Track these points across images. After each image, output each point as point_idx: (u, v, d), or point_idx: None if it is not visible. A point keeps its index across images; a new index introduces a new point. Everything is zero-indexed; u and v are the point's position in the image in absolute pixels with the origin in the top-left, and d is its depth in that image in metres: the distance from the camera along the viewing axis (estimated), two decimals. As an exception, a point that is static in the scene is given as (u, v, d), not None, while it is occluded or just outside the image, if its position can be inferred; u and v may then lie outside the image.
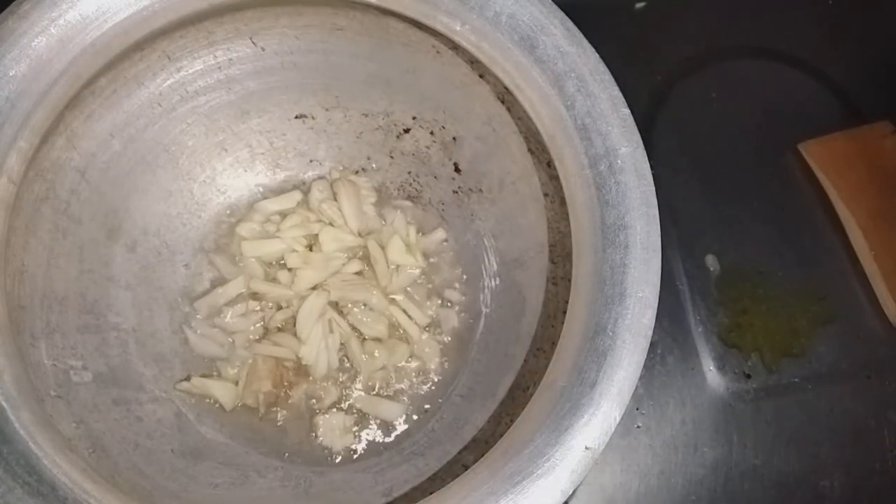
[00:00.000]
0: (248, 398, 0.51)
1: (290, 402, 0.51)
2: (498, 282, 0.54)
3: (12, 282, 0.42)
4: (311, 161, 0.57)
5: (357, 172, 0.57)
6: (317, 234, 0.53)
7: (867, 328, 0.59)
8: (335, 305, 0.53)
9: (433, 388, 0.53)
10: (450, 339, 0.54)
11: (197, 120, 0.53)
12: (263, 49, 0.51)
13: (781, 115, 0.64)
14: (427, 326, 0.54)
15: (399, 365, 0.53)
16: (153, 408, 0.49)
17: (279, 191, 0.57)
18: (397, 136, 0.55)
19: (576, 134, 0.41)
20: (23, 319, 0.42)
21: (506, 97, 0.47)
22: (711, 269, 0.60)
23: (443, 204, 0.56)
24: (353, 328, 0.53)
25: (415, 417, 0.52)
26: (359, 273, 0.54)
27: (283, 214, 0.55)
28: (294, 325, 0.52)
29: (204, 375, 0.52)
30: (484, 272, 0.54)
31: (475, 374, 0.53)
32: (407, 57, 0.50)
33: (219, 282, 0.54)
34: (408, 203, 0.56)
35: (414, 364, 0.53)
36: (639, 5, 0.66)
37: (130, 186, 0.51)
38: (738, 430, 0.56)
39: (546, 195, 0.49)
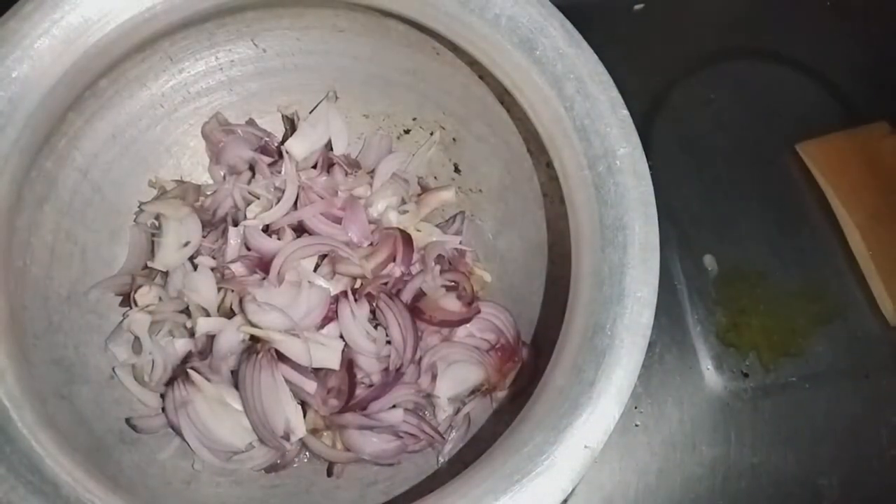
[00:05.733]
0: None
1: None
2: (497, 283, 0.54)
3: (15, 281, 0.42)
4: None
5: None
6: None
7: (865, 328, 0.59)
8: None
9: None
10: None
11: (199, 121, 0.53)
12: (265, 50, 0.52)
13: (779, 116, 0.64)
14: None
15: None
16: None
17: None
18: (397, 137, 0.56)
19: (575, 135, 0.41)
20: (25, 319, 0.43)
21: (505, 98, 0.47)
22: (710, 268, 0.60)
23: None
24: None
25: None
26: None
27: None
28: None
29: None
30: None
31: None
32: (407, 58, 0.50)
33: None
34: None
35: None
36: (637, 7, 0.67)
37: (133, 187, 0.51)
38: (736, 429, 0.56)
39: (545, 195, 0.49)
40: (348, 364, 0.48)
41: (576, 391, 0.37)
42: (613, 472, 0.55)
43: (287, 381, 0.46)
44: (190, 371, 0.47)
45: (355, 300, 0.48)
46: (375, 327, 0.49)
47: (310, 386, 0.47)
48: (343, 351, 0.47)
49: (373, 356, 0.48)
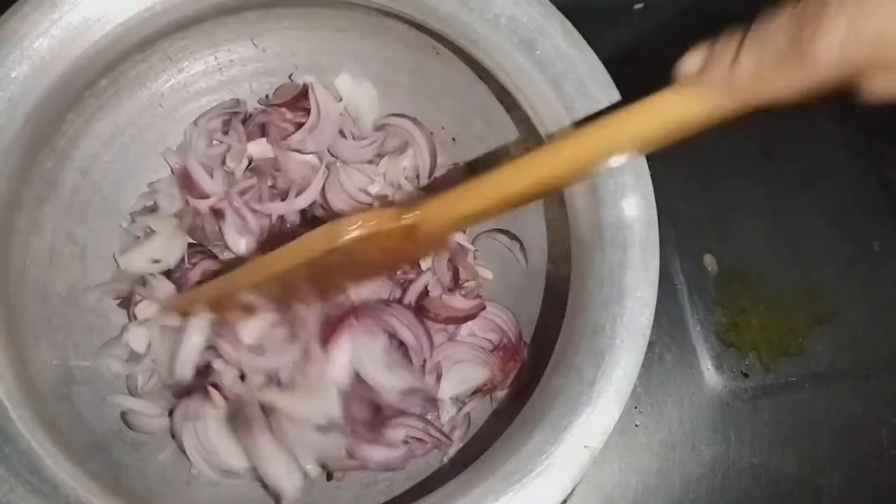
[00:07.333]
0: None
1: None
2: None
3: (14, 281, 0.42)
4: (311, 161, 0.58)
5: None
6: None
7: (865, 328, 0.59)
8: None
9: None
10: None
11: (198, 121, 0.53)
12: (265, 50, 0.52)
13: (780, 116, 0.64)
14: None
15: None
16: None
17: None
18: (397, 137, 0.56)
19: (575, 135, 0.41)
20: (25, 319, 0.43)
21: (505, 98, 0.47)
22: (709, 268, 0.60)
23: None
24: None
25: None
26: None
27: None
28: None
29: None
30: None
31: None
32: (407, 58, 0.50)
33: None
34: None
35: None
36: (637, 7, 0.67)
37: (132, 187, 0.51)
38: (735, 429, 0.56)
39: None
40: (368, 396, 0.46)
41: (576, 391, 0.37)
42: (613, 472, 0.55)
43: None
44: (210, 388, 0.46)
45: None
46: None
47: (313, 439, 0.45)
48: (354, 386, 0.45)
49: (395, 392, 0.46)
